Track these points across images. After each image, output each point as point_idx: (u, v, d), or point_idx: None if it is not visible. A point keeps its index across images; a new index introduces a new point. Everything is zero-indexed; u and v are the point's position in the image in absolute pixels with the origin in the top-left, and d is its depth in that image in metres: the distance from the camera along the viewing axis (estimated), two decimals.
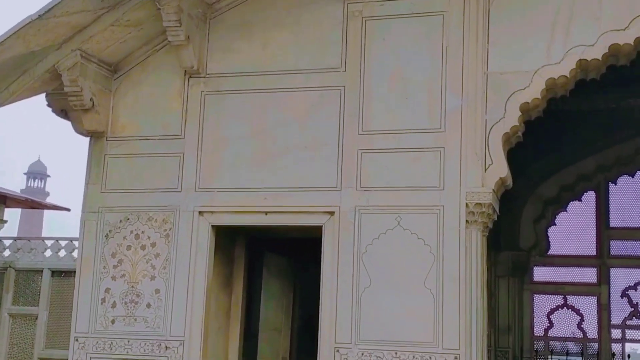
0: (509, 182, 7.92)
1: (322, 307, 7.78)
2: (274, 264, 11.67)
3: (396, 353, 7.46)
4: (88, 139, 8.58)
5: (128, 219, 8.24)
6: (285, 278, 11.86)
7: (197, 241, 8.13)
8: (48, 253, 11.08)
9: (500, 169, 7.64)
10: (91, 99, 8.19)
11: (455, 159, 7.62)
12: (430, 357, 7.38)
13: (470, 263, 7.53)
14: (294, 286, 11.94)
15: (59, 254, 11.02)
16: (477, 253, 7.62)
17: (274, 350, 11.51)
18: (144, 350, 8.02)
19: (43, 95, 8.40)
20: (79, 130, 8.42)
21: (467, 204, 7.54)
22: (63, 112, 8.41)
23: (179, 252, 8.14)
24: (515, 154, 7.94)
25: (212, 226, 8.19)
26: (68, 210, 14.35)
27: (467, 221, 7.54)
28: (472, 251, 7.57)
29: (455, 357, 7.33)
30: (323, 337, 7.72)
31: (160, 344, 8.02)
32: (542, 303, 13.03)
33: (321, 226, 7.93)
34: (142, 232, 8.18)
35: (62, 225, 36.46)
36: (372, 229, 7.72)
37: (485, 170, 7.60)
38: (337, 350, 7.61)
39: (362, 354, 7.53)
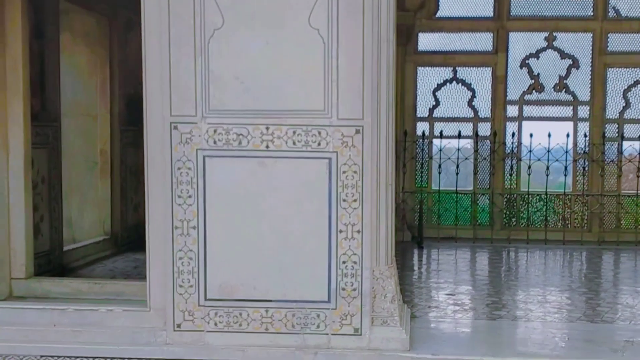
0: None
1: (148, 66, 4.88)
2: (79, 26, 8.56)
3: (267, 128, 4.79)
4: None
5: None
6: (97, 46, 8.75)
7: None
8: None
9: None
10: None
11: None
12: (319, 132, 4.78)
13: None
14: (111, 59, 8.87)
15: None
16: None
17: (88, 140, 8.68)
18: None
19: None
20: None
21: None
22: None
23: None
24: None
25: None
26: None
27: None
28: None
29: (358, 130, 4.79)
30: (151, 110, 4.89)
31: None
32: (428, 77, 10.73)
33: None
34: None
35: None
36: None
37: None
38: (175, 127, 4.82)
39: (215, 131, 4.80)
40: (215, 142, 4.81)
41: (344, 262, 4.82)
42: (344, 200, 4.80)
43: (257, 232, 4.81)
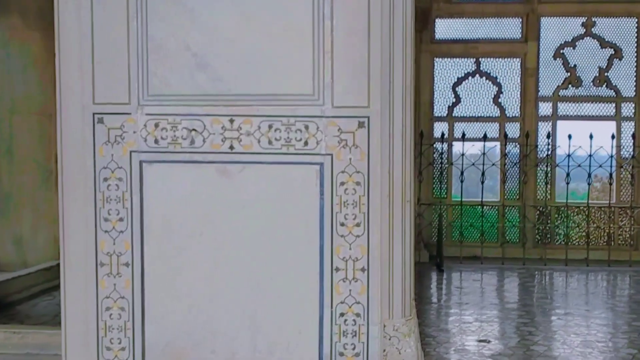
0: None
1: (61, 35, 3.48)
2: (32, 7, 7.23)
3: (232, 121, 3.33)
4: None
5: None
6: (54, 32, 7.35)
7: None
8: None
9: None
10: None
11: None
12: (306, 126, 3.31)
13: None
14: None
15: None
16: None
17: (42, 143, 7.33)
18: None
19: None
20: None
21: None
22: None
23: None
24: None
25: None
26: None
27: None
28: None
29: (361, 124, 3.32)
30: (66, 97, 3.43)
31: None
32: (446, 70, 9.34)
33: None
34: None
35: None
36: None
37: None
38: (100, 121, 3.38)
39: (157, 125, 3.34)
40: (157, 142, 3.35)
41: (342, 315, 3.34)
42: (342, 225, 3.32)
43: (217, 270, 3.34)
